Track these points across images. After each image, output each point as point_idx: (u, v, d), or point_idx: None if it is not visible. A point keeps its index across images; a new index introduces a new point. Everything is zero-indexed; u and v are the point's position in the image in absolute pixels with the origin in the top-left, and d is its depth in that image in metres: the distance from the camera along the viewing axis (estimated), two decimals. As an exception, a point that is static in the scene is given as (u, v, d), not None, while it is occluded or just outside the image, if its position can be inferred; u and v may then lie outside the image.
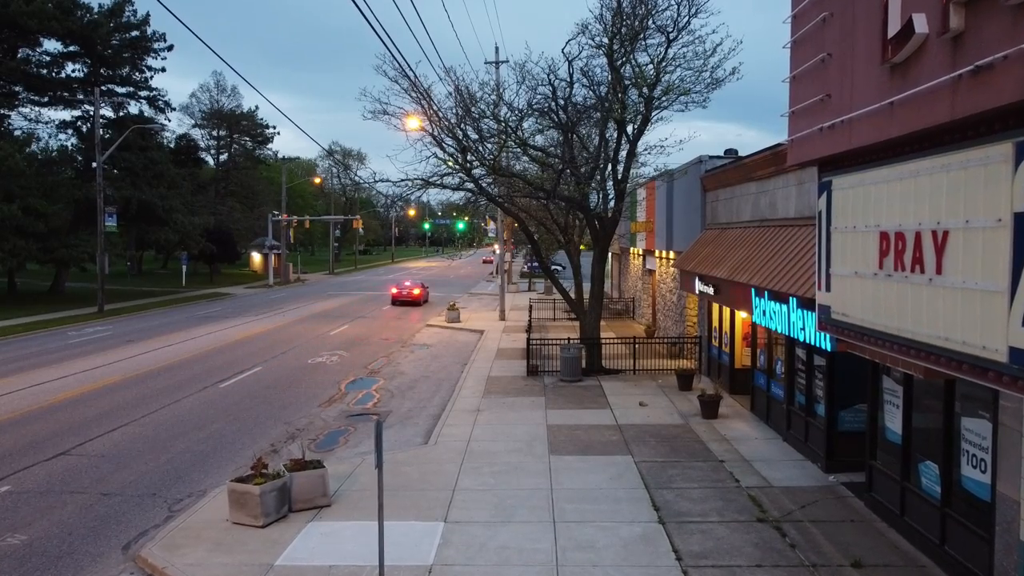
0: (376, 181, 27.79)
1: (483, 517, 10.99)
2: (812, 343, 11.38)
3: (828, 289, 6.80)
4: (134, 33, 51.78)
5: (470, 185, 23.04)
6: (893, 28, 5.04)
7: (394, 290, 46.04)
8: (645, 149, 22.18)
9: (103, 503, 11.97)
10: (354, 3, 14.81)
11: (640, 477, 12.75)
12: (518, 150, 23.32)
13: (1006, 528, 7.80)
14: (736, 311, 17.76)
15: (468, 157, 21.81)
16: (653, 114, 20.97)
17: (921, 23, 4.73)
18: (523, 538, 10.19)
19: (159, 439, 15.64)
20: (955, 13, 4.50)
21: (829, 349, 10.11)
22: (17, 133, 50.39)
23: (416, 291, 45.35)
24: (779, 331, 13.21)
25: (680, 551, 9.74)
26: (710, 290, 17.82)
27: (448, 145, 21.78)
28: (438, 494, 11.98)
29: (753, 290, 14.05)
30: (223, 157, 79.01)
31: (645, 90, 20.48)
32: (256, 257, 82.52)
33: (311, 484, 11.38)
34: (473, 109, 21.20)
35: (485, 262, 60.50)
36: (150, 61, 53.92)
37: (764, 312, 13.58)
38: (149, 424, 16.84)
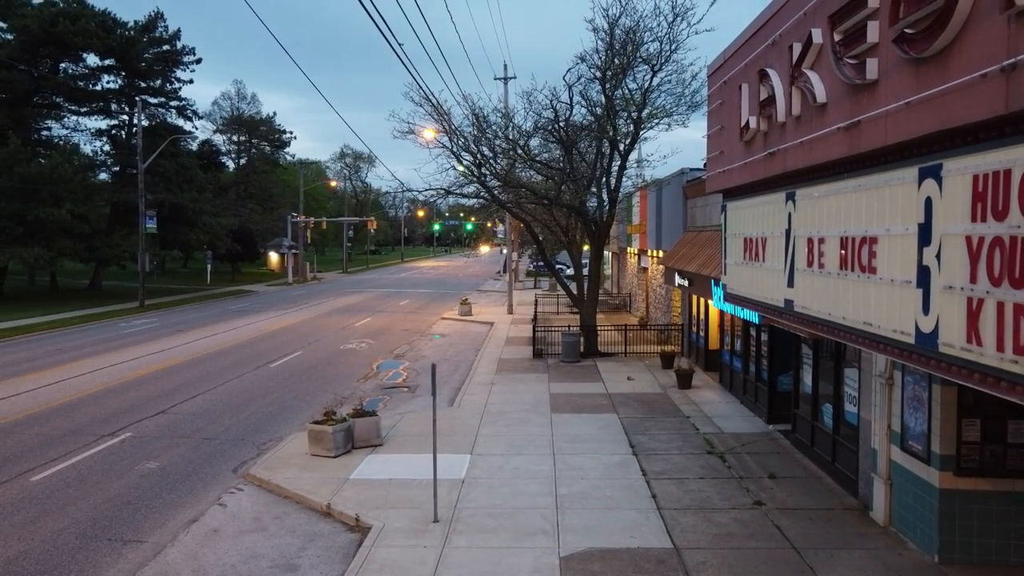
0: (404, 191, 31.30)
1: (500, 451, 14.50)
2: (749, 320, 14.85)
3: (725, 273, 10.36)
4: (165, 47, 55.58)
5: (484, 194, 26.59)
6: (743, 121, 8.61)
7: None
8: (634, 163, 25.75)
9: (206, 444, 15.54)
10: (389, 45, 18.39)
11: (622, 427, 16.27)
12: (526, 163, 26.87)
13: (866, 441, 11.29)
14: (707, 300, 21.23)
15: (483, 170, 25.37)
16: (640, 133, 24.50)
17: (753, 122, 8.28)
18: (530, 464, 13.70)
19: (233, 403, 19.22)
20: (762, 121, 8.10)
21: (757, 322, 13.58)
22: (56, 141, 54.27)
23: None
24: (727, 311, 16.69)
25: (646, 470, 13.25)
26: (685, 282, 21.30)
27: (466, 160, 25.35)
28: (464, 438, 15.50)
29: (712, 280, 17.51)
30: (242, 161, 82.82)
31: (634, 113, 23.99)
32: (274, 256, 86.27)
33: (368, 427, 14.93)
34: (488, 131, 24.78)
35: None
36: (179, 73, 57.76)
37: (719, 298, 17.03)
38: (221, 393, 20.42)
